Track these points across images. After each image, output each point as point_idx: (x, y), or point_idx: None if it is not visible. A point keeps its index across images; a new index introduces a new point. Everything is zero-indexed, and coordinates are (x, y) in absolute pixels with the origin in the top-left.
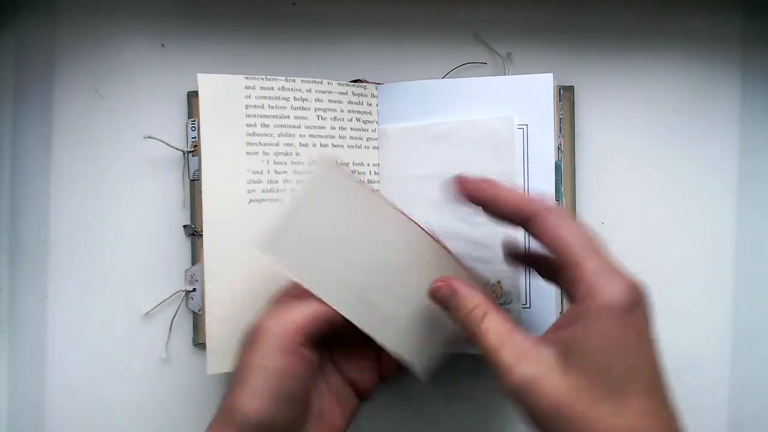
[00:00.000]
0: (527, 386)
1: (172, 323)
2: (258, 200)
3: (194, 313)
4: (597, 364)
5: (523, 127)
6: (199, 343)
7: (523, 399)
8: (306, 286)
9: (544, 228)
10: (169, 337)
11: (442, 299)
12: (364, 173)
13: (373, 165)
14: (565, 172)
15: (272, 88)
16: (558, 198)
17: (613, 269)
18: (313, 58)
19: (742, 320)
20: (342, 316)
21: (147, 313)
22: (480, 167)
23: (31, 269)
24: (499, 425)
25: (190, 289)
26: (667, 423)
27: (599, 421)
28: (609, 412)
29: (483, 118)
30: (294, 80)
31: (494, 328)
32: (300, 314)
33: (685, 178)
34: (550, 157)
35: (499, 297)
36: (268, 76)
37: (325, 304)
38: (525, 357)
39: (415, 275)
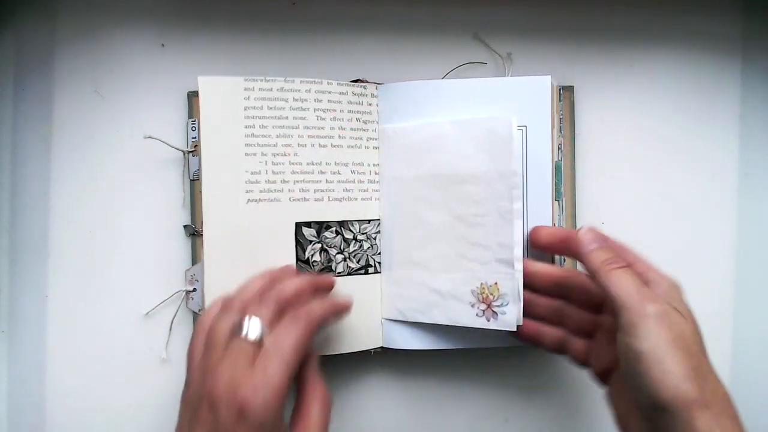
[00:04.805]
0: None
1: (172, 323)
2: (256, 200)
3: (194, 313)
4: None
5: (523, 128)
6: None
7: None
8: None
9: (603, 284)
10: (169, 337)
11: None
12: (364, 173)
13: (373, 165)
14: (565, 172)
15: (271, 89)
16: (558, 198)
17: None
18: (313, 58)
19: (743, 319)
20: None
21: (147, 313)
22: (479, 167)
23: (31, 269)
24: (499, 424)
25: (190, 289)
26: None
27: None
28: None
29: (482, 117)
30: (293, 81)
31: None
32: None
33: (685, 177)
34: (548, 159)
35: (496, 299)
36: (267, 78)
37: None
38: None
39: None
